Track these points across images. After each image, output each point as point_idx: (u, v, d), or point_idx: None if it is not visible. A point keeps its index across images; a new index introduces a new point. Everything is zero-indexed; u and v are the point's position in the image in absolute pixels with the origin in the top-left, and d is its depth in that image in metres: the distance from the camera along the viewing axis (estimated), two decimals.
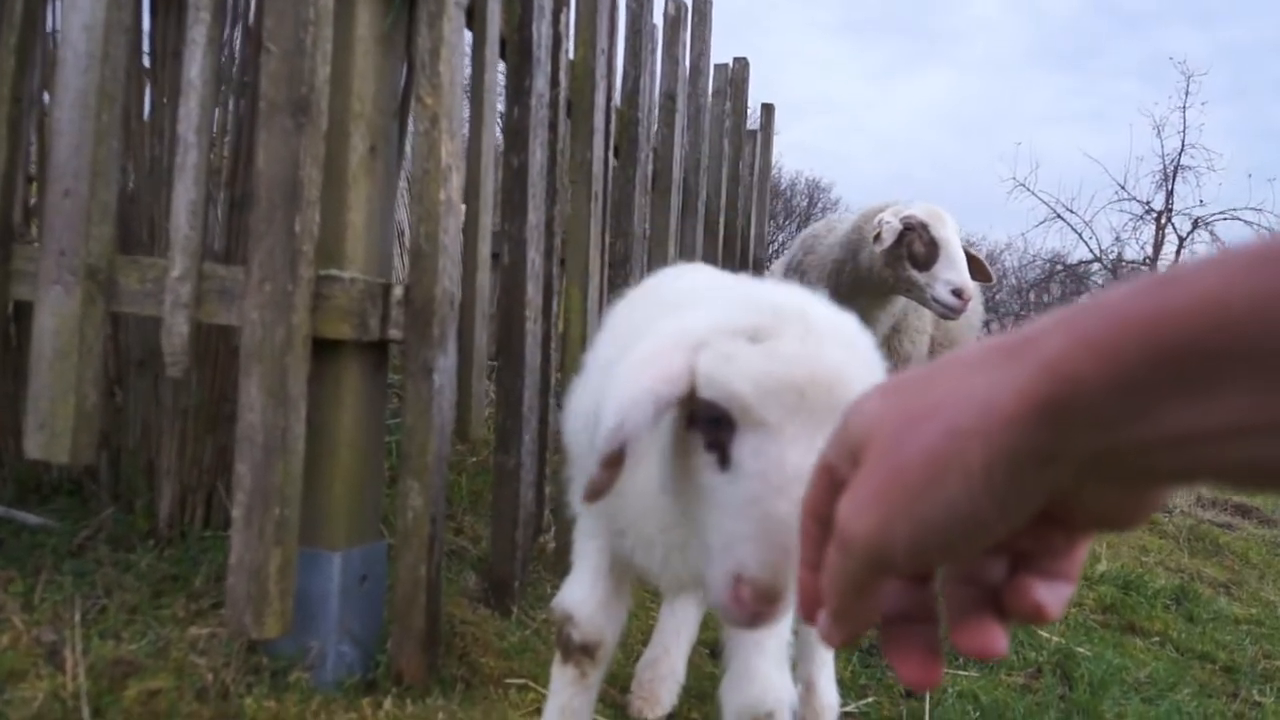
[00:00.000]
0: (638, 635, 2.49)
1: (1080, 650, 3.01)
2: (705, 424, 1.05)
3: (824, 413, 1.00)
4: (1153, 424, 0.41)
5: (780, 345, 1.04)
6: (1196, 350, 0.40)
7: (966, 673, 2.71)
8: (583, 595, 1.70)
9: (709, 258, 4.46)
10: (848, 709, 2.28)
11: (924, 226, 3.66)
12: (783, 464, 0.99)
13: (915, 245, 3.66)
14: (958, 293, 3.35)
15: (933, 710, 2.26)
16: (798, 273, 5.47)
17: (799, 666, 2.13)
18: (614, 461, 1.02)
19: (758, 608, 0.97)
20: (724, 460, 1.04)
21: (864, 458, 0.52)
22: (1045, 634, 3.17)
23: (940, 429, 0.47)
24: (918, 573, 0.55)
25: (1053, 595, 0.52)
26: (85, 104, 1.93)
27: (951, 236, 3.65)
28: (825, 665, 2.17)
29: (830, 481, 0.56)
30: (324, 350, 1.83)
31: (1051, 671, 2.84)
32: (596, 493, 1.03)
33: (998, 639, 0.53)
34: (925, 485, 0.48)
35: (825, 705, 2.14)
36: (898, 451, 0.49)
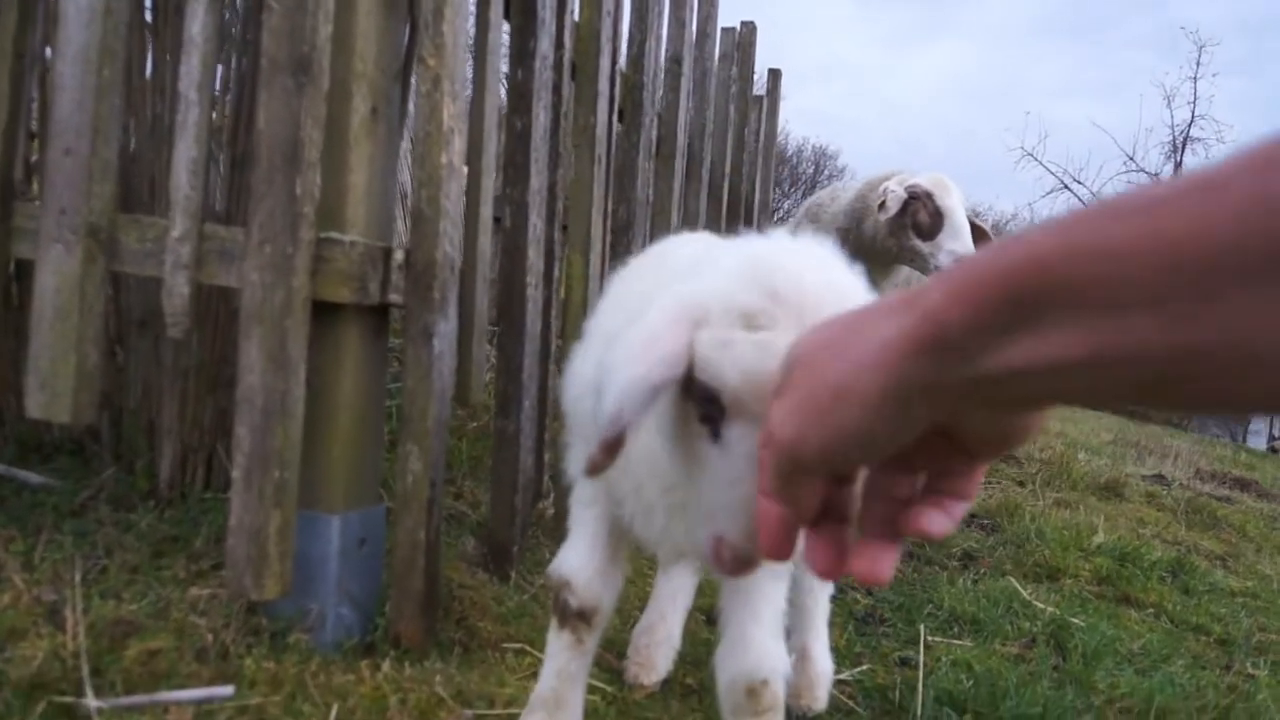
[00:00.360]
0: (634, 601, 2.50)
1: (1075, 621, 3.03)
2: (700, 399, 1.08)
3: None
4: (1002, 358, 0.52)
5: (774, 338, 1.04)
6: (1026, 297, 0.51)
7: (961, 642, 2.72)
8: (580, 562, 1.71)
9: (713, 225, 4.43)
10: (841, 677, 2.30)
11: (929, 196, 3.64)
12: None
13: (920, 214, 3.65)
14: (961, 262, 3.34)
15: (926, 679, 2.28)
16: None
17: (794, 635, 2.14)
18: (613, 446, 1.06)
19: (734, 567, 1.05)
20: (715, 434, 1.08)
21: (792, 378, 0.66)
22: (1040, 604, 3.19)
23: (848, 363, 0.60)
24: (831, 473, 0.67)
25: (945, 515, 0.67)
26: (87, 59, 1.91)
27: (956, 206, 3.63)
28: (820, 634, 2.19)
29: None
30: (324, 313, 1.82)
31: (1045, 642, 2.86)
32: (595, 470, 1.06)
33: (884, 568, 0.68)
34: (833, 406, 0.61)
35: (820, 673, 2.16)
36: (816, 376, 0.63)
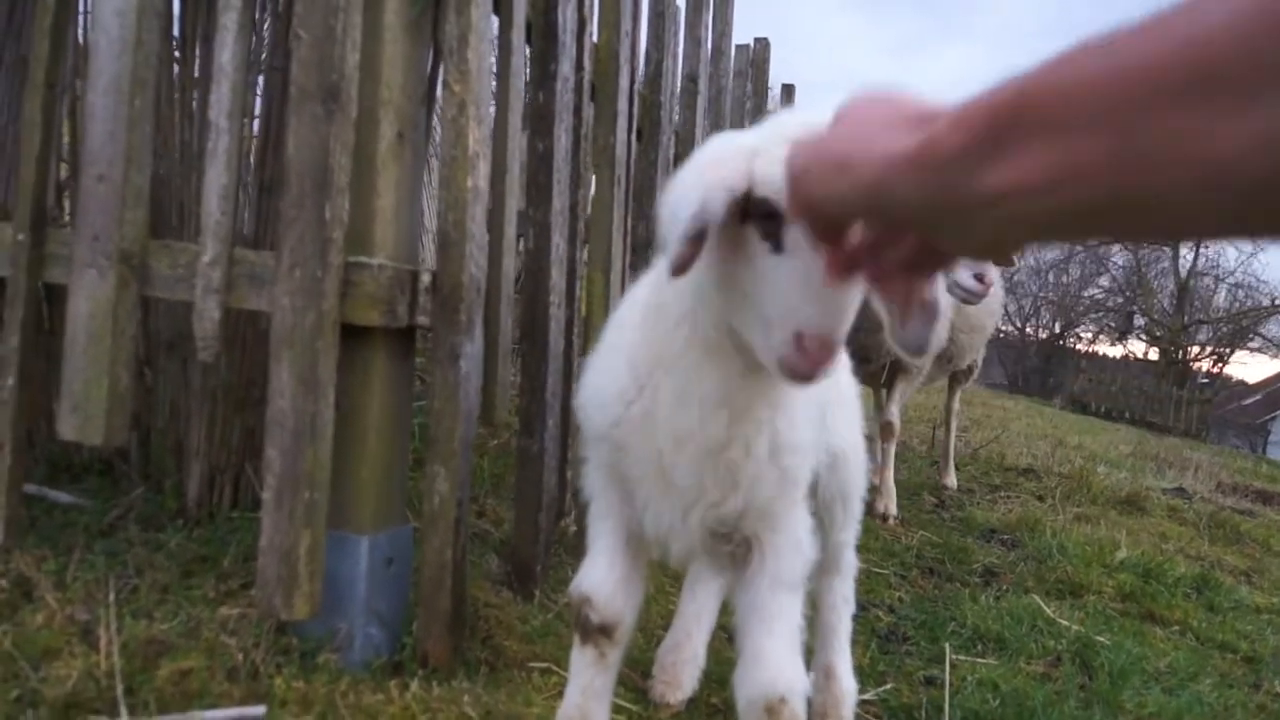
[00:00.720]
0: (658, 620, 2.51)
1: (1100, 639, 3.01)
2: (760, 219, 1.20)
3: None
4: (978, 182, 0.61)
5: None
6: (1004, 123, 0.59)
7: (986, 660, 2.72)
8: (600, 576, 1.71)
9: None
10: (866, 696, 2.30)
11: None
12: None
13: None
14: (979, 277, 3.32)
15: (952, 698, 2.27)
16: None
17: (818, 653, 2.14)
18: (697, 240, 1.16)
19: (819, 354, 1.17)
20: (778, 246, 1.19)
21: (828, 129, 0.83)
22: (1065, 622, 3.18)
23: (861, 147, 0.75)
24: (821, 215, 0.88)
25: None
26: (119, 89, 1.94)
27: None
28: (843, 652, 2.18)
29: None
30: (353, 336, 1.85)
31: (1071, 660, 2.84)
32: (683, 265, 1.16)
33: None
34: (834, 170, 0.79)
35: (844, 691, 2.15)
36: (838, 140, 0.80)
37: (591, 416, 1.67)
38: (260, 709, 1.63)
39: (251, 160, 2.24)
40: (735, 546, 1.71)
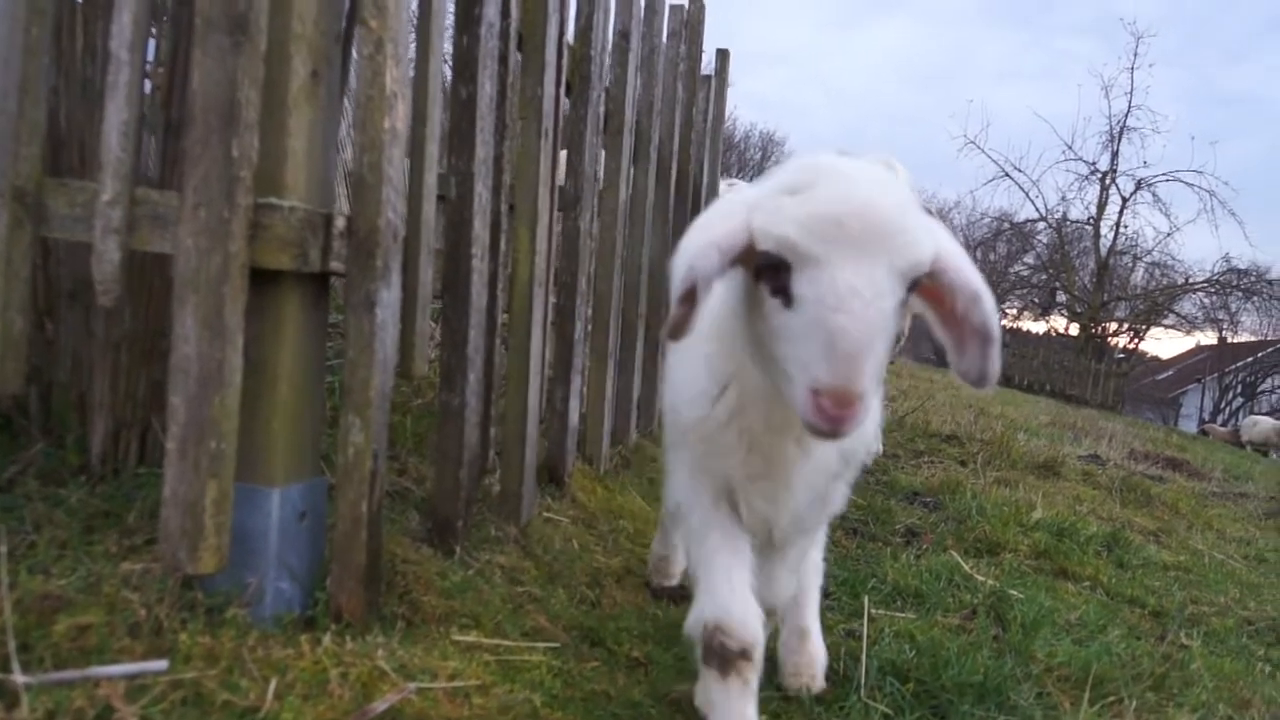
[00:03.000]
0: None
1: (1013, 593, 3.08)
2: (767, 273, 1.23)
3: (863, 239, 1.20)
4: None
5: (816, 192, 1.23)
6: None
7: (904, 615, 2.76)
8: (724, 599, 1.65)
9: (661, 204, 4.42)
10: None
11: None
12: (834, 285, 1.17)
13: None
14: None
15: (870, 649, 2.30)
16: None
17: (790, 616, 2.14)
18: (688, 298, 1.21)
19: (837, 411, 1.15)
20: (787, 299, 1.21)
21: None
22: (980, 577, 3.24)
23: None
24: None
25: None
26: (14, 17, 1.84)
27: None
28: (815, 613, 2.18)
29: None
30: (262, 281, 1.78)
31: (986, 613, 2.90)
32: (678, 328, 1.22)
33: None
34: None
35: (817, 654, 2.15)
36: None
37: (680, 413, 1.72)
38: (162, 664, 1.57)
39: (158, 98, 2.14)
40: None
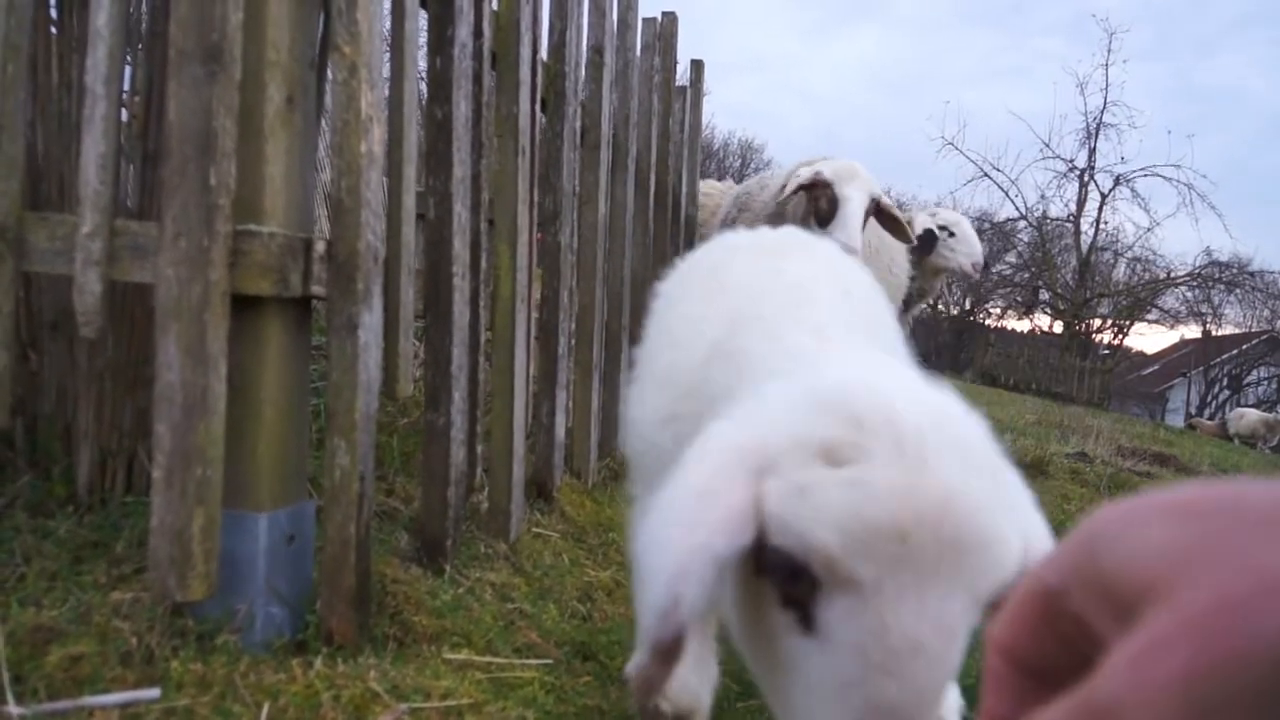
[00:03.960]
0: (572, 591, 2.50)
1: None
2: (780, 575, 0.80)
3: (934, 559, 0.77)
4: None
5: (869, 473, 0.79)
6: None
7: None
8: None
9: (641, 216, 4.44)
10: None
11: (826, 184, 3.71)
12: (886, 634, 0.75)
13: (821, 201, 3.73)
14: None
15: None
16: (732, 230, 5.50)
17: None
18: (669, 652, 0.76)
19: None
20: (807, 622, 0.79)
21: (1150, 611, 0.34)
22: None
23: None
24: None
25: None
26: None
27: (852, 194, 3.70)
28: None
29: (1050, 612, 0.41)
30: (244, 308, 1.79)
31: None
32: (649, 691, 0.79)
33: None
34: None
35: None
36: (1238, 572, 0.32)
37: (638, 453, 1.40)
38: (155, 692, 1.58)
39: (133, 130, 2.15)
40: None
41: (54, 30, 2.21)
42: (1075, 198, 31.13)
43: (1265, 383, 35.42)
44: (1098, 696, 0.34)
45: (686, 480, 0.82)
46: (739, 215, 5.40)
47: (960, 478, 0.80)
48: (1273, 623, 0.30)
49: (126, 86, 2.04)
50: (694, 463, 0.83)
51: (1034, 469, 6.36)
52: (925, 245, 5.54)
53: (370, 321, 1.90)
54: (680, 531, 0.77)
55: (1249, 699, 0.30)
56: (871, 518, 0.76)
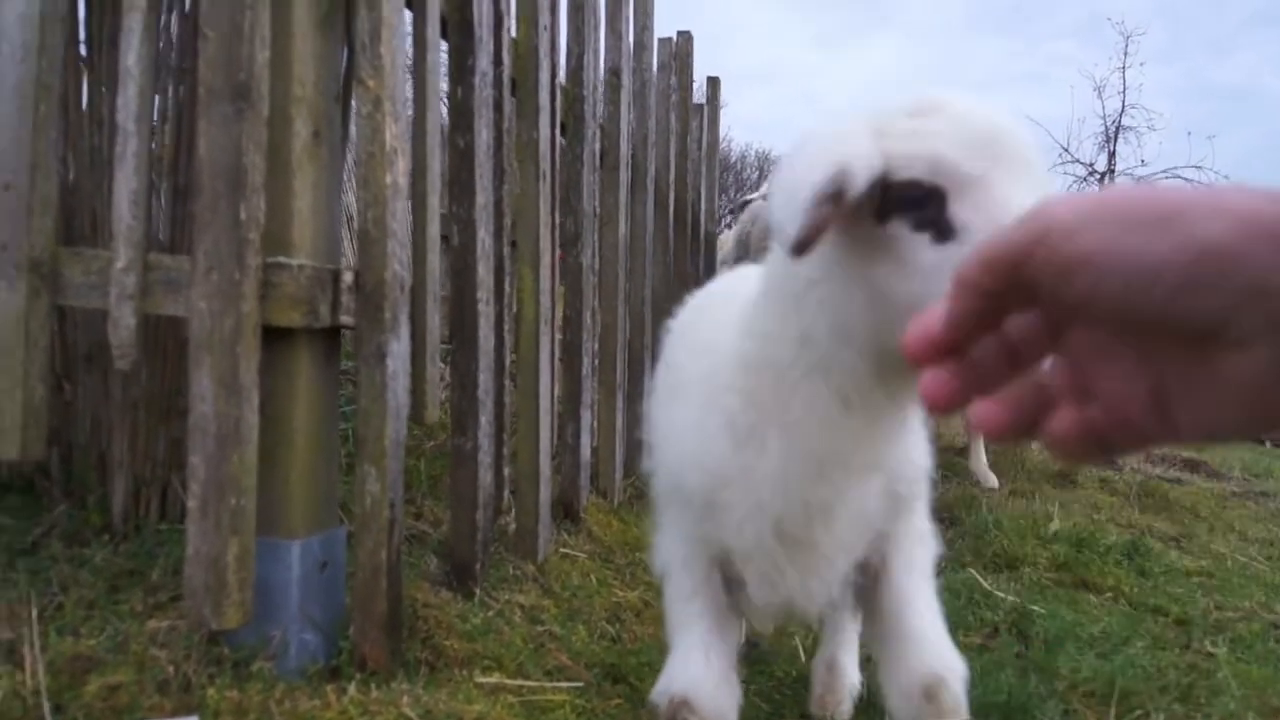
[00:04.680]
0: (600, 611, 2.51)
1: (1035, 609, 3.08)
2: (908, 206, 1.02)
3: (1019, 158, 1.04)
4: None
5: (951, 109, 1.06)
6: None
7: None
8: (697, 673, 1.47)
9: (661, 235, 4.46)
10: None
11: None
12: (1008, 204, 0.98)
13: None
14: None
15: None
16: (746, 244, 5.51)
17: (823, 646, 2.16)
18: (831, 200, 0.95)
19: None
20: (940, 233, 1.01)
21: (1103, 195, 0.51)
22: (1000, 594, 3.24)
23: (1199, 200, 0.48)
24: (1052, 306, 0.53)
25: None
26: (23, 95, 1.89)
27: None
28: (851, 647, 2.17)
29: (1015, 263, 0.52)
30: (275, 338, 1.82)
31: (1008, 630, 2.91)
32: (811, 236, 0.95)
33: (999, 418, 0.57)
34: (1153, 225, 0.48)
35: (849, 684, 2.15)
36: (1146, 194, 0.50)
37: (683, 479, 1.45)
38: (192, 719, 1.60)
39: (164, 165, 2.19)
40: (864, 575, 1.52)
41: (83, 67, 2.26)
42: None
43: None
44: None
45: (816, 139, 1.02)
46: (753, 228, 5.41)
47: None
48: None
49: (155, 118, 2.08)
50: (815, 136, 1.03)
51: (1062, 478, 6.31)
52: None
53: (398, 349, 1.92)
54: (831, 150, 0.97)
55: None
56: (971, 127, 1.04)
